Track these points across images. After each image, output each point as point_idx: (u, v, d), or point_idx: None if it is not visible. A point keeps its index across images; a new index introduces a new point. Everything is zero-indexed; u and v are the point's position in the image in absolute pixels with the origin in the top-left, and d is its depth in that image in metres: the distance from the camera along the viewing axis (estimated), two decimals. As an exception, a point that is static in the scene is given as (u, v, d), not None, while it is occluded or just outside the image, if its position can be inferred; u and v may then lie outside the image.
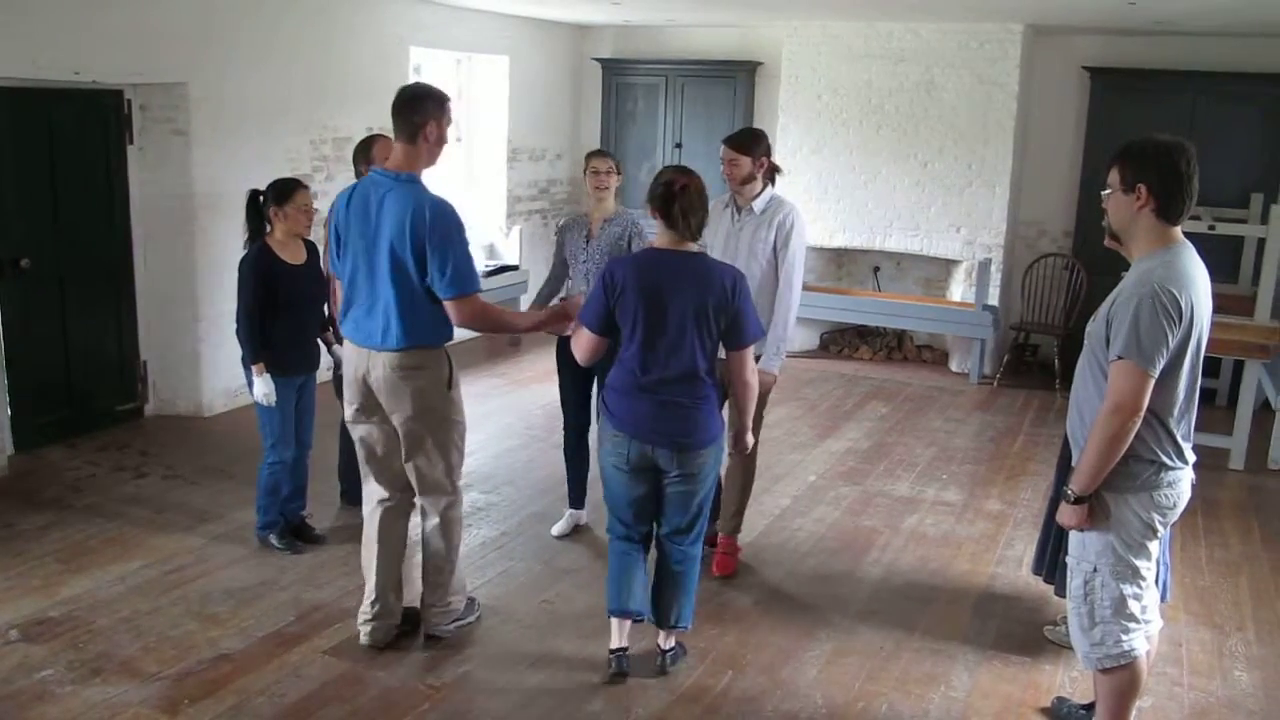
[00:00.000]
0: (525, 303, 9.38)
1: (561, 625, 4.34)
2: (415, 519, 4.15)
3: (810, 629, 4.40)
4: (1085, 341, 3.26)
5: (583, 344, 3.75)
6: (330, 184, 7.58)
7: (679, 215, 3.59)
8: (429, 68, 9.09)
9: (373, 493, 4.08)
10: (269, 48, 7.02)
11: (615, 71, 10.19)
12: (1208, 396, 8.05)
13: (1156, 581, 3.55)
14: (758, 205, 4.70)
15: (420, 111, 3.68)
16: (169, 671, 3.86)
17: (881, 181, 8.82)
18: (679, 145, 9.78)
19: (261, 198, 4.76)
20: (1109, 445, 3.03)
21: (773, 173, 4.77)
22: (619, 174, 5.16)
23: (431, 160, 3.78)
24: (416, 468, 3.93)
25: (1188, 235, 3.13)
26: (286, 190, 4.76)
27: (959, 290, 8.95)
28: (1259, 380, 6.66)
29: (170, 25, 6.32)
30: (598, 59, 10.28)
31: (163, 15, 6.27)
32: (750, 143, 4.67)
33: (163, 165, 6.60)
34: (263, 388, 4.68)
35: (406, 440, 3.88)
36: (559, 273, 5.33)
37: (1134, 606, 3.21)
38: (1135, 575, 3.20)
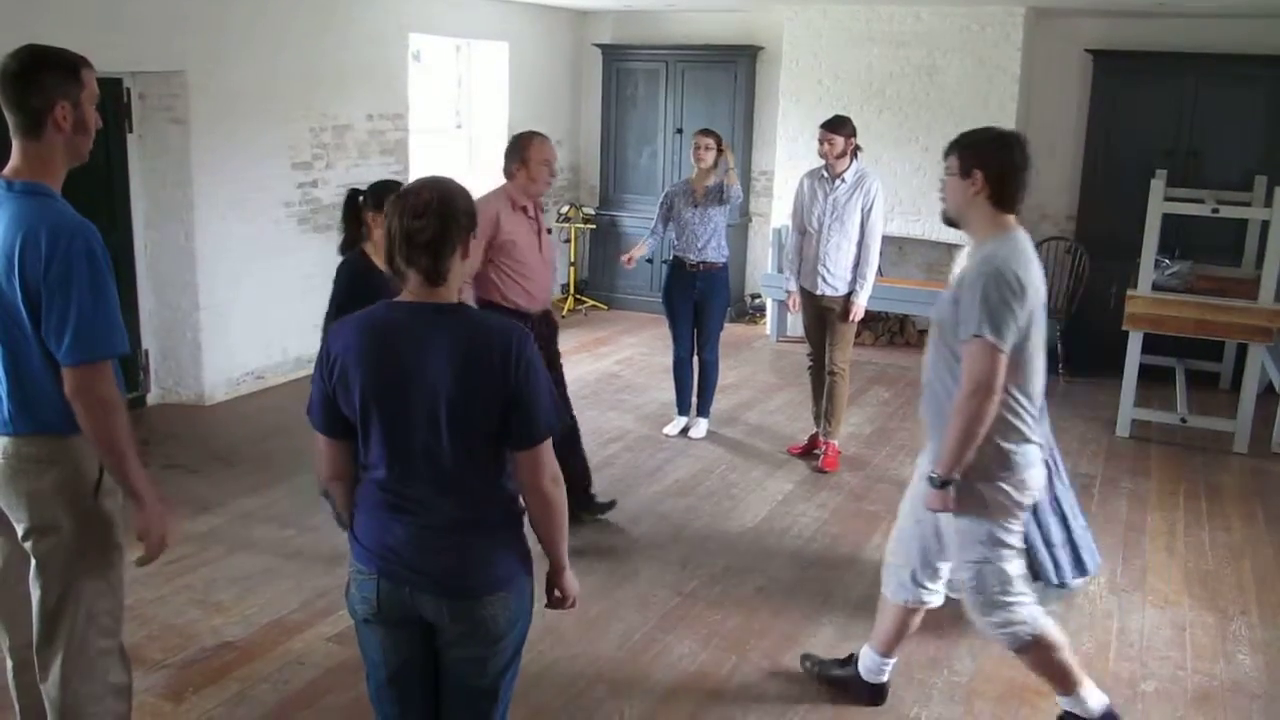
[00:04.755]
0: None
1: (563, 612, 4.33)
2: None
3: (813, 614, 4.40)
4: (931, 330, 3.39)
5: (318, 456, 2.49)
6: (330, 172, 7.58)
7: (423, 249, 2.29)
8: (428, 54, 9.07)
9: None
10: (268, 35, 6.99)
11: (616, 57, 10.14)
12: (1211, 380, 8.05)
13: (1065, 553, 4.15)
14: (849, 176, 5.89)
15: (40, 90, 2.52)
16: (173, 660, 3.87)
17: (883, 166, 8.78)
18: (679, 131, 9.74)
19: (361, 199, 4.30)
20: (970, 426, 3.12)
21: (856, 150, 5.95)
22: (720, 149, 6.26)
23: (75, 156, 2.67)
24: (40, 608, 2.72)
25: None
26: (388, 194, 4.39)
27: (961, 275, 8.91)
28: (1262, 364, 6.65)
29: (168, 13, 6.29)
30: (598, 45, 10.24)
31: (161, 3, 6.24)
32: (841, 125, 5.84)
33: (162, 154, 6.59)
34: None
35: (35, 564, 2.71)
36: (656, 229, 6.50)
37: (1021, 583, 3.37)
38: (1016, 554, 3.36)
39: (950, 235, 8.75)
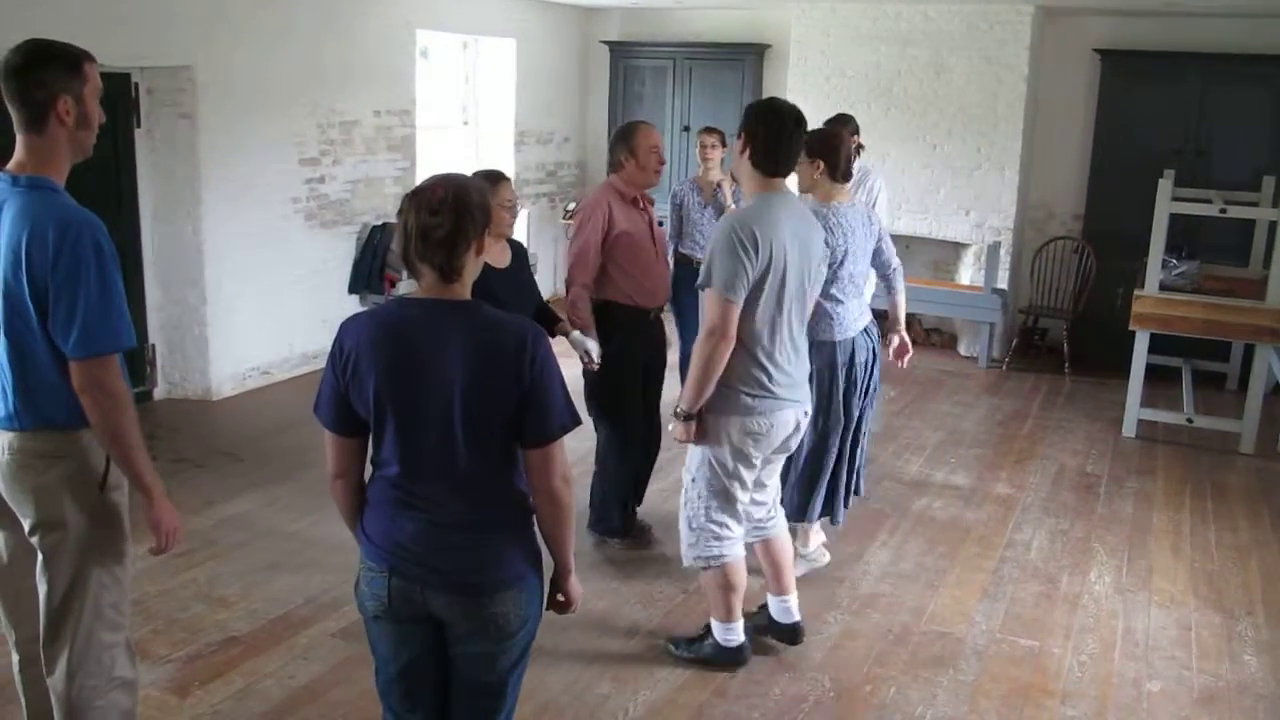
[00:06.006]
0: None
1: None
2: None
3: (818, 612, 4.39)
4: None
5: (328, 456, 2.46)
6: (337, 168, 7.58)
7: (439, 245, 2.27)
8: (436, 50, 9.07)
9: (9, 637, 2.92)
10: (275, 31, 6.99)
11: (623, 54, 10.14)
12: (1217, 380, 8.04)
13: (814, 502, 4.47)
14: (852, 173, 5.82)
15: (42, 84, 2.52)
16: (178, 654, 3.88)
17: (890, 164, 8.78)
18: (686, 128, 9.73)
19: None
20: (704, 365, 3.43)
21: (859, 148, 5.60)
22: (724, 145, 6.24)
23: (79, 150, 2.64)
24: (47, 603, 2.72)
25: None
26: (490, 182, 3.91)
27: (968, 274, 8.91)
28: (1269, 364, 6.63)
29: (176, 9, 6.30)
30: (605, 41, 10.23)
31: (169, -2, 6.26)
32: (843, 124, 5.55)
33: (169, 149, 6.59)
34: None
35: (41, 559, 2.70)
36: (675, 232, 6.44)
37: (724, 518, 3.68)
38: (725, 493, 3.64)
39: (957, 233, 8.77)
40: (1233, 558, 5.11)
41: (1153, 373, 7.00)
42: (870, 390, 4.59)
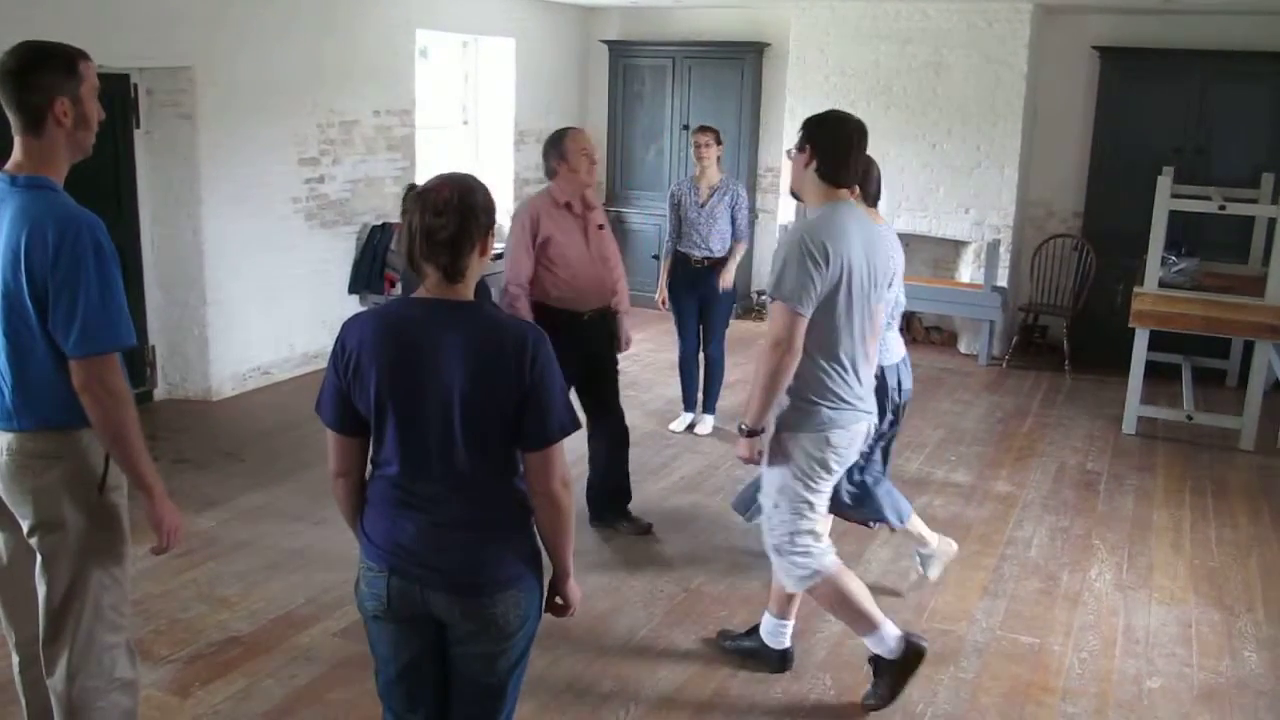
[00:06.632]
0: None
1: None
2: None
3: (819, 610, 4.38)
4: None
5: (329, 454, 2.47)
6: (337, 168, 7.59)
7: (443, 246, 2.27)
8: (435, 50, 9.07)
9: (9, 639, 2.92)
10: (275, 31, 6.99)
11: (622, 53, 10.14)
12: (1217, 377, 8.04)
13: (873, 508, 4.34)
14: None
15: (39, 87, 2.51)
16: (179, 654, 3.88)
17: (889, 163, 8.75)
18: (686, 127, 9.72)
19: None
20: (769, 379, 3.36)
21: None
22: (719, 144, 6.29)
23: (78, 150, 2.64)
24: (46, 604, 2.71)
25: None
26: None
27: (967, 271, 8.91)
28: (1269, 361, 6.63)
29: (176, 9, 6.30)
30: (605, 41, 10.23)
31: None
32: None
33: (169, 149, 6.60)
34: None
35: (41, 560, 2.69)
36: (673, 235, 6.50)
37: (808, 538, 3.57)
38: (809, 505, 3.54)
39: (957, 231, 8.78)
40: (1233, 554, 5.11)
41: (1153, 370, 7.00)
42: (897, 423, 4.50)
